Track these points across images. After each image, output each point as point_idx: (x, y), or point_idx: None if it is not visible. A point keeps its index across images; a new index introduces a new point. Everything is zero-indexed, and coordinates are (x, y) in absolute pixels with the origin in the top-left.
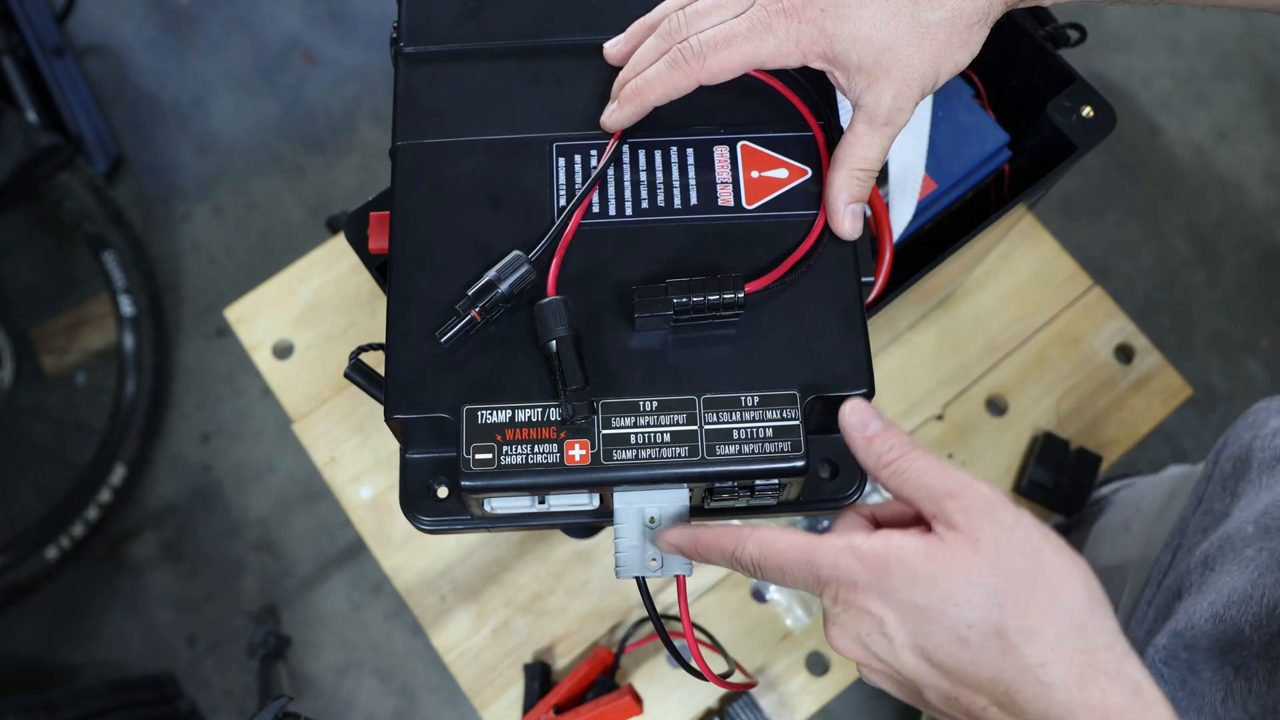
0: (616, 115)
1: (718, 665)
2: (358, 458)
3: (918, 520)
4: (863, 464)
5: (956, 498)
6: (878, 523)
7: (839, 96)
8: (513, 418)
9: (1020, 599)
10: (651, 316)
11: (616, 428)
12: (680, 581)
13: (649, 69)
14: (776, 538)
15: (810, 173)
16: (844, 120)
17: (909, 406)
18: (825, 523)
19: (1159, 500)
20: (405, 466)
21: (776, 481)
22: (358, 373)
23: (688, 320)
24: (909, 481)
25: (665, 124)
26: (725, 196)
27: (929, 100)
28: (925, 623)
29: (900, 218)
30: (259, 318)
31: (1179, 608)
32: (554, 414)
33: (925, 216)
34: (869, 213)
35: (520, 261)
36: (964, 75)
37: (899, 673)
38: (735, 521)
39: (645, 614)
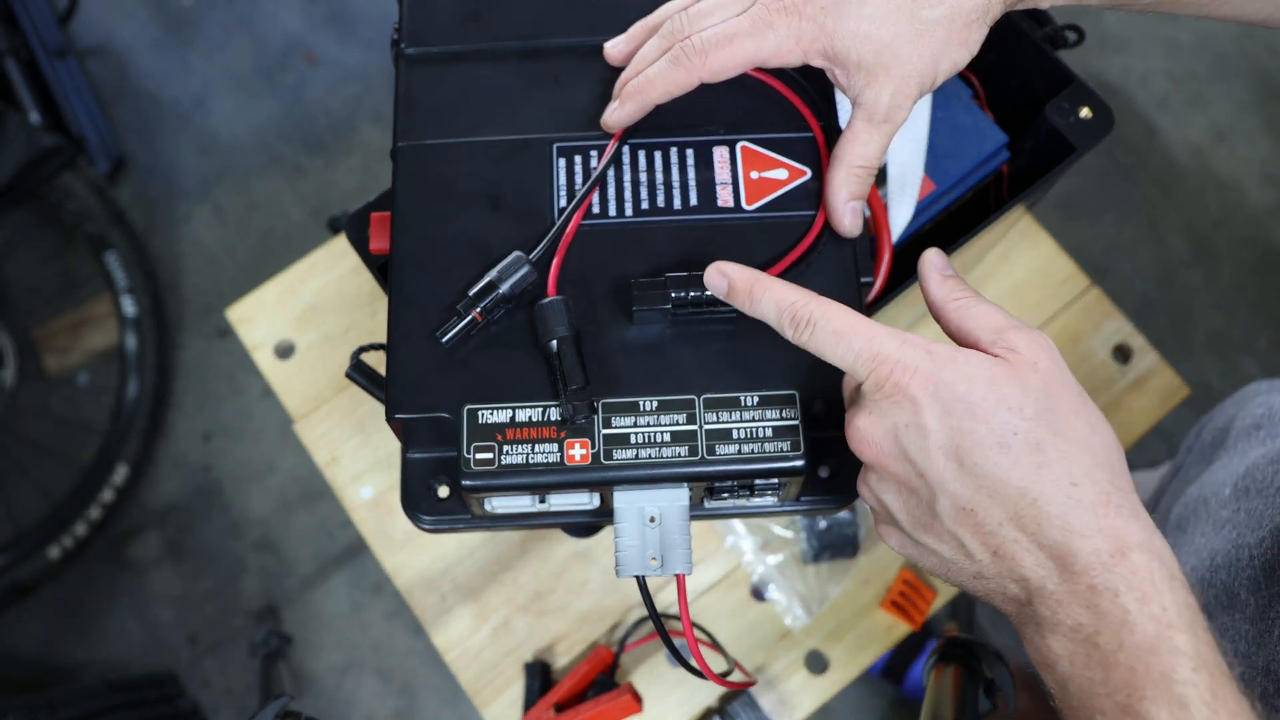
0: (618, 113)
1: (717, 664)
2: (358, 457)
3: None
4: (932, 299)
5: (1020, 331)
6: None
7: (838, 97)
8: (513, 417)
9: (1066, 424)
10: (650, 310)
11: (616, 427)
12: (680, 581)
13: (650, 67)
14: (843, 310)
15: (809, 173)
16: (843, 121)
17: None
18: (824, 522)
19: (1154, 485)
20: (406, 466)
21: (776, 481)
22: (359, 373)
23: (686, 315)
24: (975, 316)
25: (665, 125)
26: (725, 197)
27: (928, 101)
28: (971, 420)
29: (899, 218)
30: (260, 318)
31: None
32: (554, 414)
33: (925, 217)
34: (868, 213)
35: (521, 262)
36: (963, 76)
37: (921, 474)
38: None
39: (645, 613)
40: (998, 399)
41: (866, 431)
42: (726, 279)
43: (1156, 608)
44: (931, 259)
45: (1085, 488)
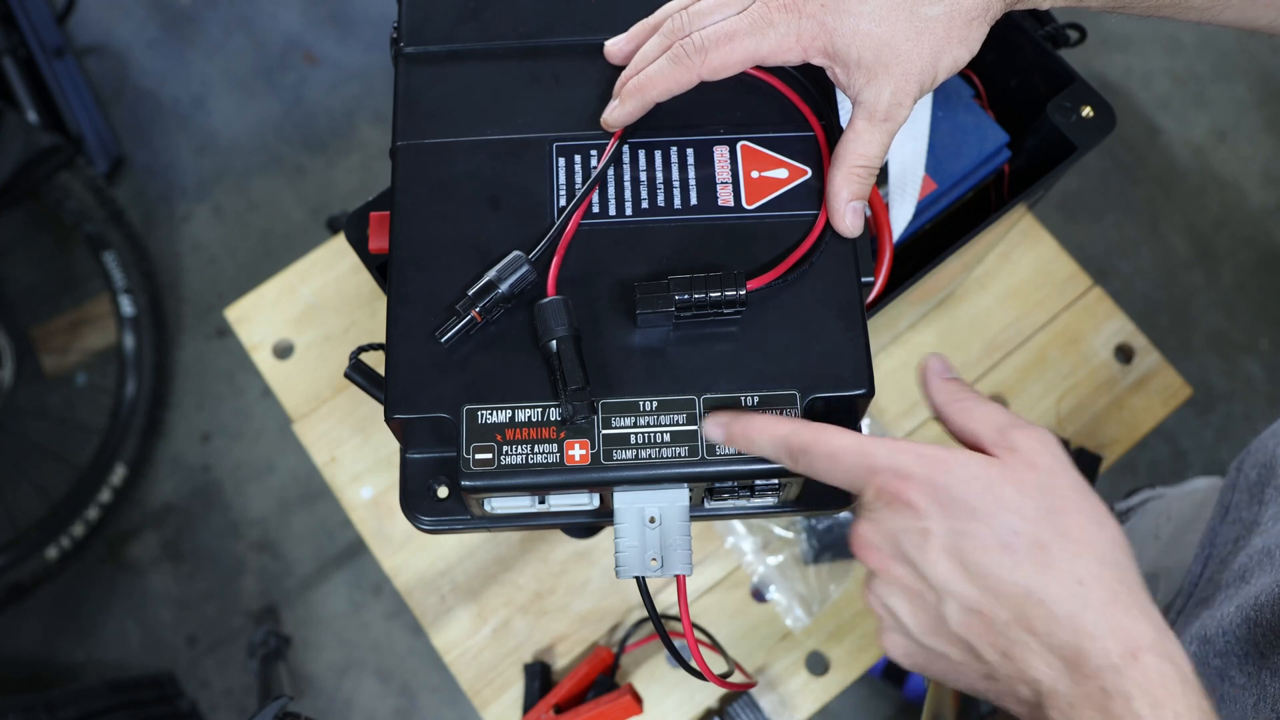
0: (618, 112)
1: (718, 665)
2: (358, 458)
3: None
4: (934, 402)
5: (1020, 429)
6: None
7: (839, 96)
8: (513, 418)
9: (1068, 522)
10: (654, 313)
11: (616, 427)
12: (680, 581)
13: (651, 65)
14: (834, 431)
15: (810, 172)
16: (844, 120)
17: (909, 406)
18: (824, 523)
19: (1189, 510)
20: (405, 466)
21: (776, 481)
22: (358, 373)
23: (689, 317)
24: (976, 415)
25: (665, 124)
26: (725, 196)
27: (928, 100)
28: (972, 521)
29: (900, 218)
30: (259, 318)
31: (1205, 615)
32: (554, 414)
33: (925, 216)
34: (869, 213)
35: (520, 262)
36: (964, 75)
37: (924, 579)
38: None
39: (645, 614)
40: (996, 500)
41: (869, 538)
42: (723, 429)
43: (1169, 713)
44: (931, 365)
45: (1092, 587)
